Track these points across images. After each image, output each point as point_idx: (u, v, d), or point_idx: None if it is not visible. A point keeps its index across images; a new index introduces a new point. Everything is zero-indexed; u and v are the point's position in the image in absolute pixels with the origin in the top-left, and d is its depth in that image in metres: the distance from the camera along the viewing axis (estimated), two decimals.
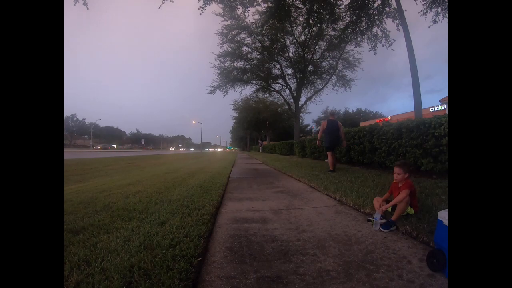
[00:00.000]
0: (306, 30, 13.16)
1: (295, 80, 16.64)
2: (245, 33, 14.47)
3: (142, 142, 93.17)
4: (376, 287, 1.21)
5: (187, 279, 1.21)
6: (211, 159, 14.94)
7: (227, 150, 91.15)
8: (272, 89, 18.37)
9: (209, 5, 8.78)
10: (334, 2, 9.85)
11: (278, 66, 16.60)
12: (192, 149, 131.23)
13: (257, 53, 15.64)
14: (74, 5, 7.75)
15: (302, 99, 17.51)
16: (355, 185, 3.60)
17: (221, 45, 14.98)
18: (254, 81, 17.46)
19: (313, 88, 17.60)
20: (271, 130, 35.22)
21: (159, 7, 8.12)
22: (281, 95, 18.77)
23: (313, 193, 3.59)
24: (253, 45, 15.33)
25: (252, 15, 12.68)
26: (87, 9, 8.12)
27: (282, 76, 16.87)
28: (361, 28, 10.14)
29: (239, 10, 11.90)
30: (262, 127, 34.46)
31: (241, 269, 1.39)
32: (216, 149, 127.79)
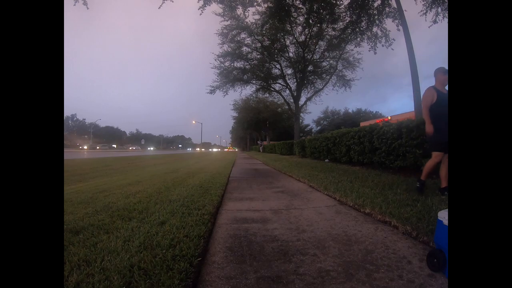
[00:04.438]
0: (306, 30, 13.18)
1: (295, 80, 16.64)
2: (245, 33, 14.47)
3: (142, 142, 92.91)
4: (376, 287, 1.21)
5: (187, 279, 1.21)
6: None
7: (225, 150, 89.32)
8: (272, 89, 18.38)
9: (209, 5, 8.79)
10: (334, 2, 9.86)
11: (278, 66, 16.60)
12: (151, 148, 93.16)
13: (257, 53, 15.65)
14: (74, 5, 7.77)
15: (302, 99, 17.53)
16: (355, 185, 3.60)
17: (221, 45, 15.01)
18: (254, 81, 17.47)
19: (313, 88, 17.61)
20: (271, 130, 35.22)
21: (159, 7, 8.14)
22: (281, 95, 18.78)
23: (313, 193, 3.59)
24: (253, 45, 15.33)
25: (252, 15, 12.71)
26: (87, 9, 8.13)
27: (282, 76, 16.87)
28: (361, 28, 10.16)
29: (239, 10, 11.89)
30: (262, 127, 34.47)
31: (241, 269, 1.39)
32: (212, 149, 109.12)
